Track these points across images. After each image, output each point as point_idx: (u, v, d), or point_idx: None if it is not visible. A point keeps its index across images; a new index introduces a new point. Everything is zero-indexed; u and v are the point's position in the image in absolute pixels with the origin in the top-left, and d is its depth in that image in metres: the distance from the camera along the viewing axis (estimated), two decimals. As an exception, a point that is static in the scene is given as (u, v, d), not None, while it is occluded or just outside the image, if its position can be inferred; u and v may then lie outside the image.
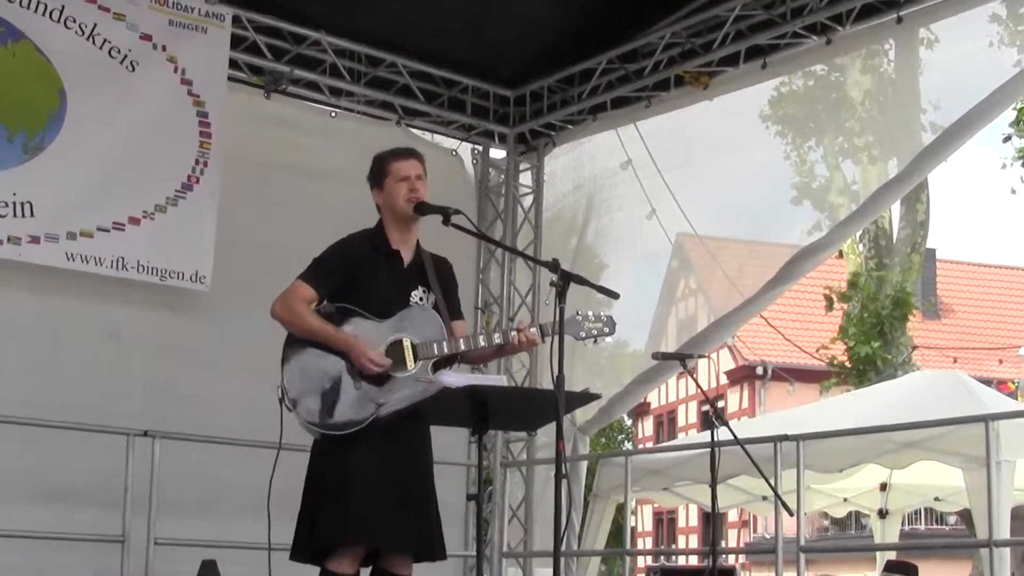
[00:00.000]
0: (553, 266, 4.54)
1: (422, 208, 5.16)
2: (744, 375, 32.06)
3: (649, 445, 36.29)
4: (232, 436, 7.75)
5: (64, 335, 7.73)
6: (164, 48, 7.99)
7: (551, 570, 9.30)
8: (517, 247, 9.50)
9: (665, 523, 36.26)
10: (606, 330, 5.09)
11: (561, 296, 4.50)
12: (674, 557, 32.90)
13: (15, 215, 7.34)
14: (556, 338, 4.48)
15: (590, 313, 5.07)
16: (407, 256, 5.26)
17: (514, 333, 5.07)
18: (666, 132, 9.44)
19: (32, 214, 7.39)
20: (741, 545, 30.92)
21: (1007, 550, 6.58)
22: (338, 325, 5.05)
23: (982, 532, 6.96)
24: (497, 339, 5.12)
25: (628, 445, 32.87)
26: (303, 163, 8.88)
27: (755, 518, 29.12)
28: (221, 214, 8.02)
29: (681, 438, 36.63)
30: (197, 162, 8.06)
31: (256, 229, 8.44)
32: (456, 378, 4.68)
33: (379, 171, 5.32)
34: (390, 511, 4.86)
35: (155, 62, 7.94)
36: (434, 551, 5.10)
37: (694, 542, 36.87)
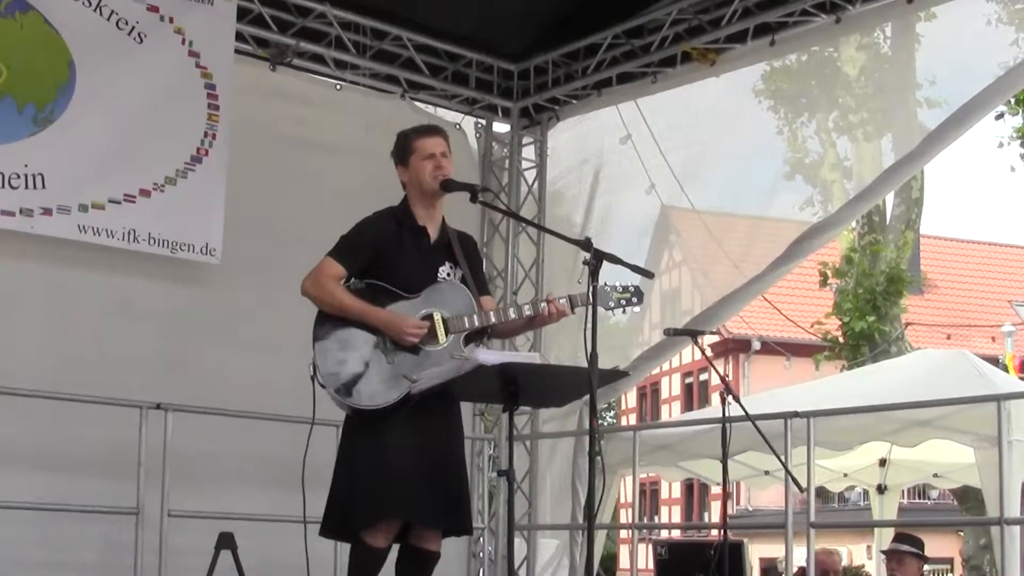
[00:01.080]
0: (586, 244, 4.58)
1: (449, 185, 5.20)
2: (728, 348, 32.22)
3: (632, 418, 36.48)
4: (242, 408, 7.78)
5: (76, 307, 7.72)
6: (171, 20, 7.96)
7: (555, 541, 9.48)
8: (520, 222, 9.59)
9: (648, 494, 36.42)
10: (634, 300, 5.13)
11: (594, 274, 4.53)
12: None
13: (27, 187, 7.32)
14: (589, 316, 4.49)
15: (617, 284, 5.11)
16: (433, 232, 5.29)
17: (544, 304, 5.12)
18: (664, 107, 9.46)
19: (44, 186, 7.37)
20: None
21: (1017, 528, 6.65)
22: (368, 301, 5.07)
23: (993, 510, 7.03)
24: (527, 311, 5.17)
25: (610, 417, 32.97)
26: (308, 135, 8.88)
27: (737, 491, 29.26)
28: (228, 187, 8.02)
29: (665, 412, 37.01)
30: (206, 134, 8.05)
31: (263, 201, 8.44)
32: (491, 355, 4.72)
33: (404, 149, 5.32)
34: (423, 486, 4.92)
35: (162, 33, 7.92)
36: (463, 526, 5.17)
37: (676, 513, 37.09)
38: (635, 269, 4.88)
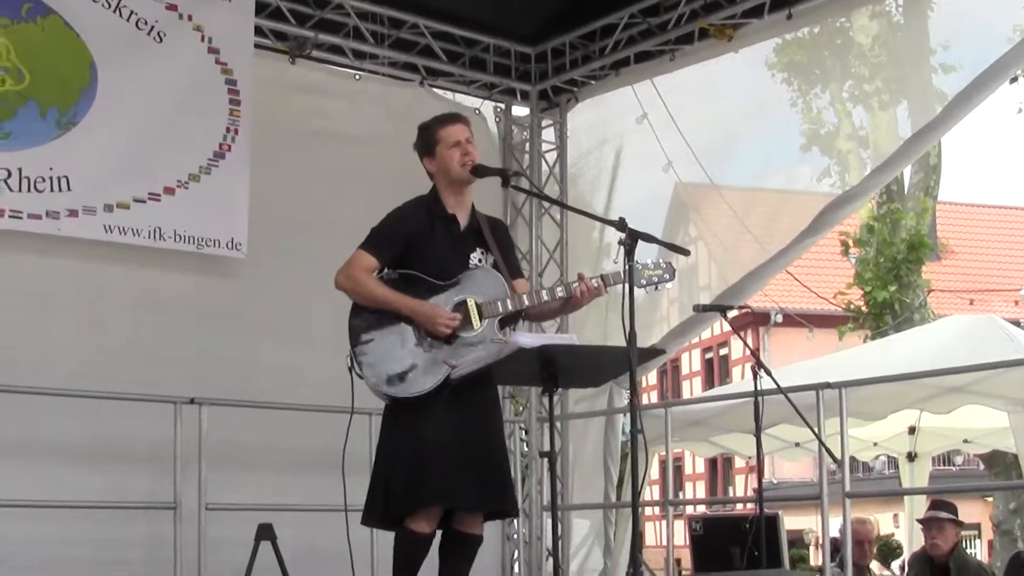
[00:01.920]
0: (621, 225, 4.60)
1: (480, 171, 5.23)
2: (747, 321, 32.17)
3: (654, 395, 36.52)
4: (275, 399, 7.87)
5: (106, 305, 7.77)
6: (190, 18, 7.98)
7: (586, 522, 9.52)
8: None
9: (671, 470, 36.48)
10: (666, 276, 5.14)
11: (630, 254, 4.56)
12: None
13: (52, 190, 7.36)
14: (626, 295, 4.52)
15: (648, 261, 5.11)
16: (463, 220, 5.32)
17: (576, 285, 5.15)
18: (680, 84, 9.46)
19: (69, 188, 7.41)
20: (749, 490, 31.16)
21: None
22: (402, 291, 5.12)
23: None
24: (560, 292, 5.19)
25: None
26: (330, 127, 8.92)
27: (761, 464, 29.31)
28: (252, 181, 8.06)
29: (686, 388, 37.04)
30: (228, 130, 8.07)
31: (287, 194, 8.48)
32: (529, 338, 4.75)
33: (429, 140, 5.34)
34: (465, 471, 4.95)
35: (182, 32, 7.94)
36: (505, 508, 5.22)
37: (700, 488, 37.16)
38: (670, 247, 4.91)
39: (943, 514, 8.45)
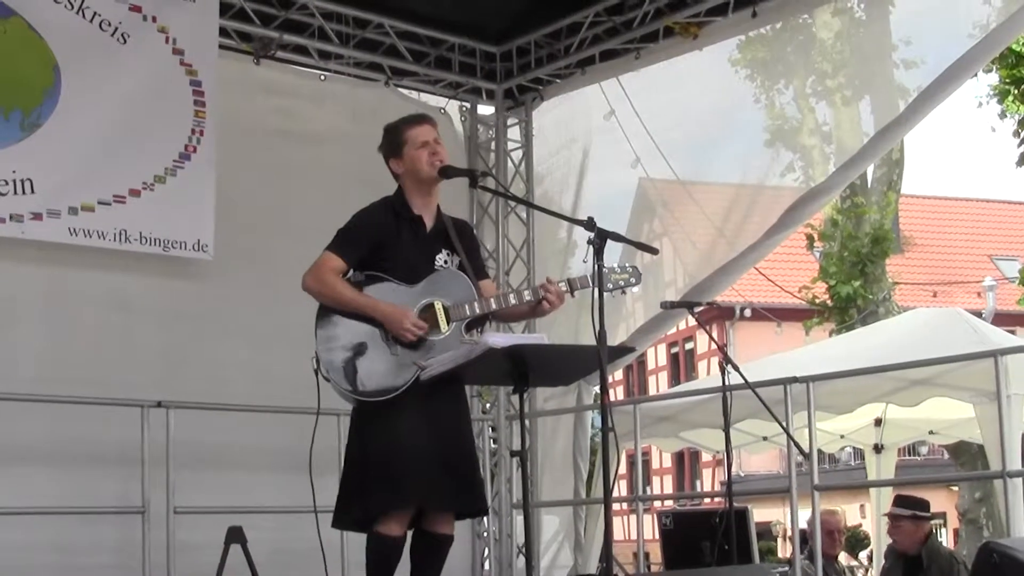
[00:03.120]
0: (589, 224, 4.60)
1: (448, 171, 5.23)
2: (713, 316, 32.31)
3: (620, 391, 36.58)
4: (241, 401, 7.85)
5: (71, 310, 7.73)
6: (154, 19, 7.93)
7: (556, 519, 9.54)
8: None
9: (639, 465, 36.55)
10: (632, 280, 5.15)
11: (599, 253, 4.57)
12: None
13: (15, 192, 7.31)
14: (596, 294, 4.54)
15: (615, 265, 5.13)
16: (429, 221, 5.33)
17: (542, 290, 5.16)
18: (646, 82, 9.49)
19: (33, 191, 7.36)
20: (717, 483, 31.29)
21: (1019, 480, 6.74)
22: (369, 293, 5.12)
23: (995, 464, 7.12)
24: (527, 296, 5.20)
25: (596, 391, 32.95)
26: (295, 127, 8.91)
27: (730, 458, 29.44)
28: (217, 182, 8.03)
29: (652, 383, 37.12)
30: (193, 131, 8.04)
31: (253, 195, 8.46)
32: (500, 338, 4.76)
33: (395, 141, 5.34)
34: (435, 472, 4.96)
35: (146, 33, 7.89)
36: (476, 508, 5.24)
37: (668, 483, 37.27)
38: (639, 246, 4.92)
39: (899, 510, 8.53)
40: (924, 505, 8.50)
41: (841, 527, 9.85)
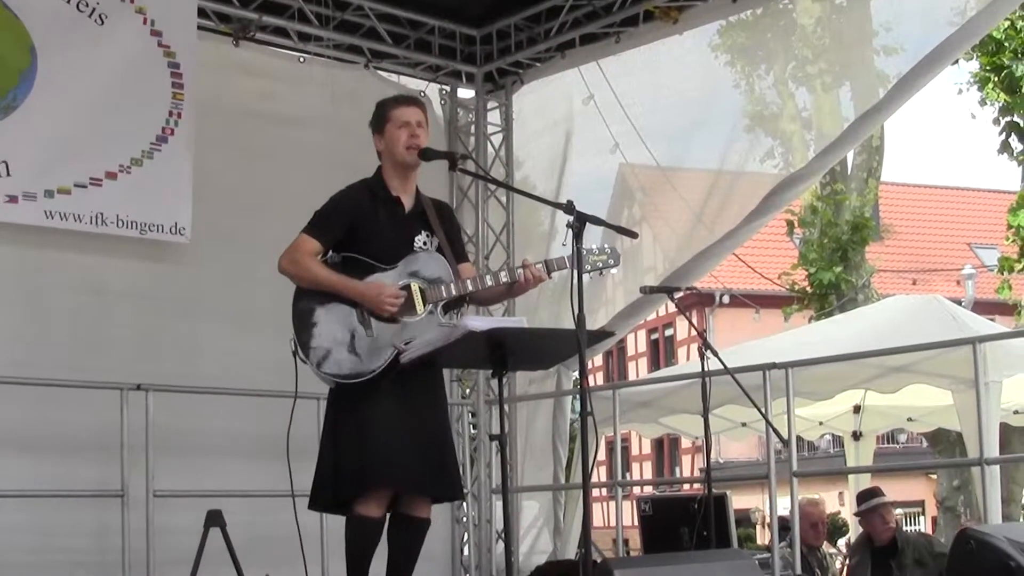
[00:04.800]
0: (569, 208, 4.58)
1: (427, 154, 5.21)
2: (692, 302, 32.34)
3: (600, 376, 36.61)
4: (219, 384, 7.82)
5: (48, 293, 7.68)
6: (132, 0, 7.89)
7: (535, 504, 9.54)
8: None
9: (618, 451, 36.61)
10: (611, 262, 5.14)
11: (578, 237, 4.55)
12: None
13: (-9, 175, 7.28)
14: (575, 279, 4.52)
15: (594, 247, 5.11)
16: (408, 202, 5.31)
17: (520, 271, 5.15)
18: (626, 66, 9.47)
19: (8, 173, 7.30)
20: (696, 470, 31.37)
21: (996, 468, 6.76)
22: (346, 275, 5.10)
23: (973, 451, 7.14)
24: (504, 278, 5.19)
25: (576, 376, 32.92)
26: (274, 109, 8.85)
27: (709, 444, 29.50)
28: (196, 164, 7.99)
29: (632, 369, 37.14)
30: (171, 113, 7.99)
31: (231, 178, 8.42)
32: (479, 321, 4.74)
33: (380, 117, 5.34)
34: (410, 454, 4.96)
35: (124, 14, 7.83)
36: (453, 492, 5.23)
37: (648, 469, 37.32)
38: (619, 230, 4.91)
39: (869, 504, 8.62)
40: (877, 491, 8.61)
41: (824, 518, 9.88)
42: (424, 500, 5.17)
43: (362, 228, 5.19)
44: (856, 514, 9.13)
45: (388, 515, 5.11)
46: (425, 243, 5.26)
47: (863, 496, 8.91)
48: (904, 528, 9.52)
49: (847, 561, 9.31)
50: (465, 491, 9.02)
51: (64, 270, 7.74)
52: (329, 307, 5.08)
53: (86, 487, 7.29)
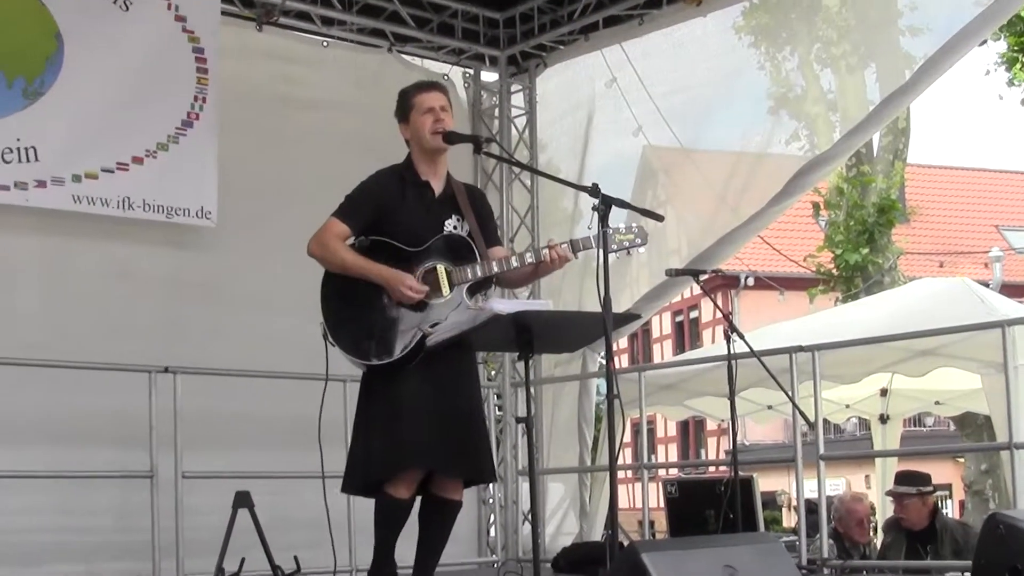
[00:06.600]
0: (594, 190, 4.59)
1: (451, 137, 5.22)
2: (717, 284, 32.30)
3: (624, 358, 36.65)
4: (247, 367, 7.84)
5: (75, 277, 7.73)
6: (156, -15, 7.94)
7: (561, 486, 9.56)
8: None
9: (644, 433, 36.64)
10: (638, 241, 5.14)
11: (603, 219, 4.55)
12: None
13: (20, 160, 7.31)
14: (601, 261, 4.52)
15: (620, 226, 5.12)
16: (438, 186, 5.32)
17: (545, 251, 5.15)
18: (649, 48, 9.45)
19: (36, 159, 7.36)
20: (721, 452, 31.37)
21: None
22: (373, 258, 5.12)
23: (1002, 435, 7.08)
24: (529, 259, 5.19)
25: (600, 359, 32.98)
26: (298, 94, 8.87)
27: (735, 427, 29.50)
28: (220, 149, 8.02)
29: (656, 351, 37.16)
30: (196, 98, 8.03)
31: (255, 162, 8.44)
32: (505, 304, 4.76)
33: (404, 105, 5.35)
34: (442, 436, 4.97)
35: (148, 0, 7.87)
36: (484, 474, 5.24)
37: (672, 451, 37.36)
38: (645, 213, 4.91)
39: (904, 488, 8.42)
40: (926, 479, 8.41)
41: (869, 514, 9.64)
42: (456, 482, 5.18)
43: (391, 212, 5.21)
44: (888, 493, 8.97)
45: (419, 497, 5.13)
46: (456, 227, 5.26)
47: (897, 479, 8.73)
48: (945, 515, 9.32)
49: (882, 539, 9.15)
50: (495, 474, 9.05)
51: (92, 254, 7.79)
52: (357, 290, 5.11)
53: (114, 468, 7.32)
